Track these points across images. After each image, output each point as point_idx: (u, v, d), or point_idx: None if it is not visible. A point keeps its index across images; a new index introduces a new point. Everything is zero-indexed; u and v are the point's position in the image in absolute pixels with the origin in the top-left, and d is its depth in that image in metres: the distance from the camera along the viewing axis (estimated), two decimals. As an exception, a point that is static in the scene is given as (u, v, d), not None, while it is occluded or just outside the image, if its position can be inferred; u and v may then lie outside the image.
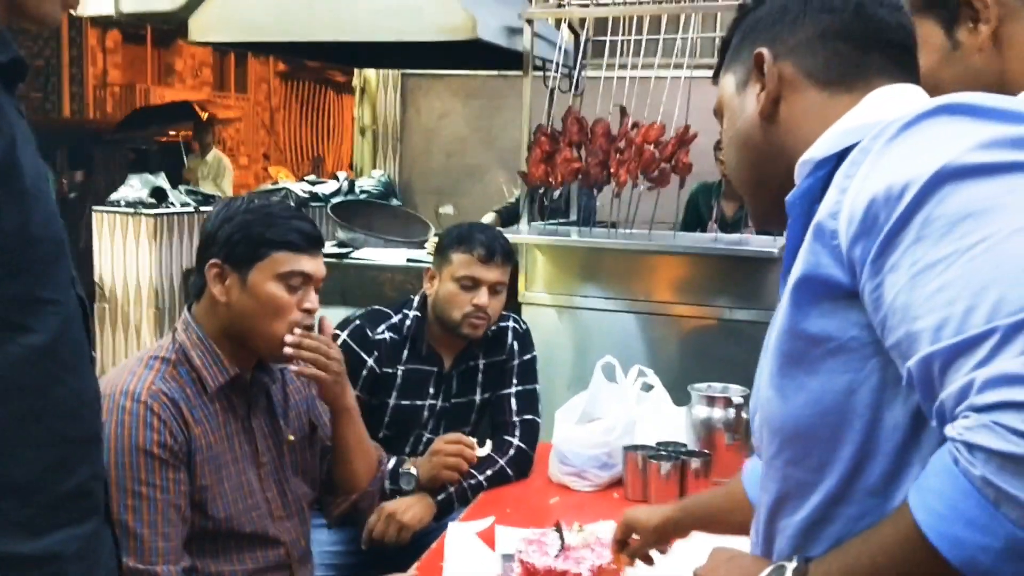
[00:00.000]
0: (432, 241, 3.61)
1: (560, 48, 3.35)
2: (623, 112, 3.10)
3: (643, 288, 3.15)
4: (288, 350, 1.64)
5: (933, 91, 0.93)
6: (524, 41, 3.36)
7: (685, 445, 2.11)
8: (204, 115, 8.68)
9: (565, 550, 1.56)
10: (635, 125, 3.06)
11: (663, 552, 1.46)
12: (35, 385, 0.91)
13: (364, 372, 2.17)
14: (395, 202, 5.70)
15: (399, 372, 2.22)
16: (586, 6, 3.44)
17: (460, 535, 1.80)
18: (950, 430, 0.69)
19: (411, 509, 2.04)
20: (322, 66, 12.69)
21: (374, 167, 6.07)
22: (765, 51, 0.96)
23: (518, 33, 3.49)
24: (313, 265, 1.64)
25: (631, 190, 3.06)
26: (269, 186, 6.37)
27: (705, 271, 3.11)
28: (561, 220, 3.68)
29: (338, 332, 2.18)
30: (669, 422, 2.22)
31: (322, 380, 1.71)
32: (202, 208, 5.16)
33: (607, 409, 2.18)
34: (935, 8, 1.08)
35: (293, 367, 1.69)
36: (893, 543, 0.74)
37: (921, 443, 0.80)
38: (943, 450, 0.70)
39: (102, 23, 10.99)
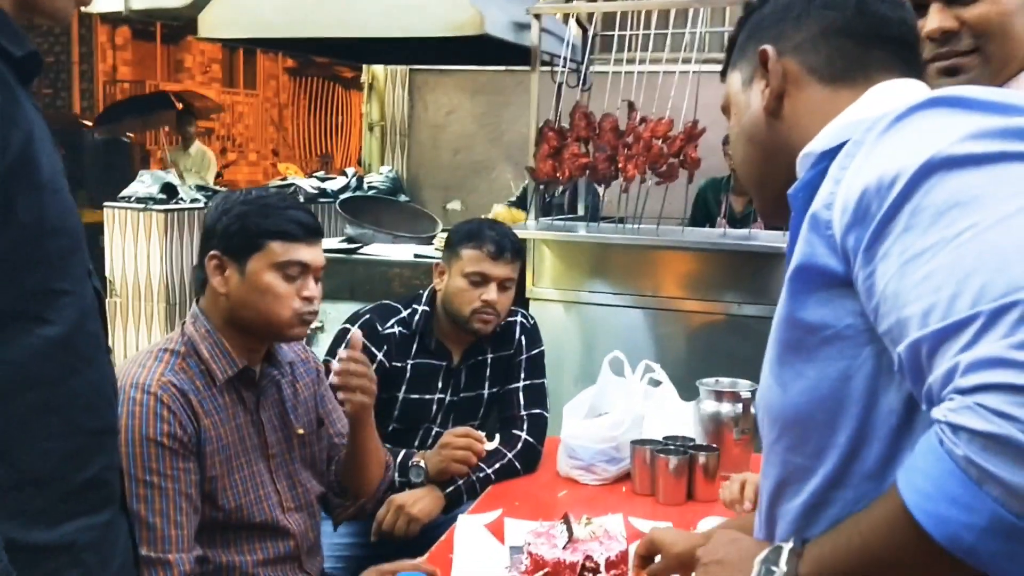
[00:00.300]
0: (440, 237, 3.62)
1: (568, 43, 3.35)
2: (631, 107, 3.09)
3: (651, 283, 3.15)
4: (334, 379, 1.72)
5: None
6: (532, 36, 3.37)
7: (693, 440, 2.12)
8: (180, 105, 8.42)
9: (573, 542, 1.57)
10: (643, 120, 3.05)
11: None
12: (52, 376, 0.92)
13: (374, 366, 2.18)
14: (403, 198, 5.69)
15: (408, 366, 2.23)
16: (594, 1, 3.43)
17: (469, 527, 1.81)
18: (936, 412, 0.71)
19: (420, 502, 2.05)
20: (330, 62, 12.67)
21: (382, 163, 6.07)
22: (769, 48, 0.98)
23: (526, 28, 3.49)
24: (311, 254, 1.64)
25: (639, 185, 3.06)
26: (278, 182, 6.35)
27: (713, 266, 3.10)
28: (569, 215, 3.68)
29: (348, 326, 2.20)
30: (677, 417, 2.23)
31: (367, 406, 1.76)
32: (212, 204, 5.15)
33: (615, 404, 2.19)
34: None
35: (341, 395, 1.75)
36: (882, 522, 0.76)
37: (914, 427, 0.81)
38: (930, 432, 0.72)
39: (112, 20, 11.03)
